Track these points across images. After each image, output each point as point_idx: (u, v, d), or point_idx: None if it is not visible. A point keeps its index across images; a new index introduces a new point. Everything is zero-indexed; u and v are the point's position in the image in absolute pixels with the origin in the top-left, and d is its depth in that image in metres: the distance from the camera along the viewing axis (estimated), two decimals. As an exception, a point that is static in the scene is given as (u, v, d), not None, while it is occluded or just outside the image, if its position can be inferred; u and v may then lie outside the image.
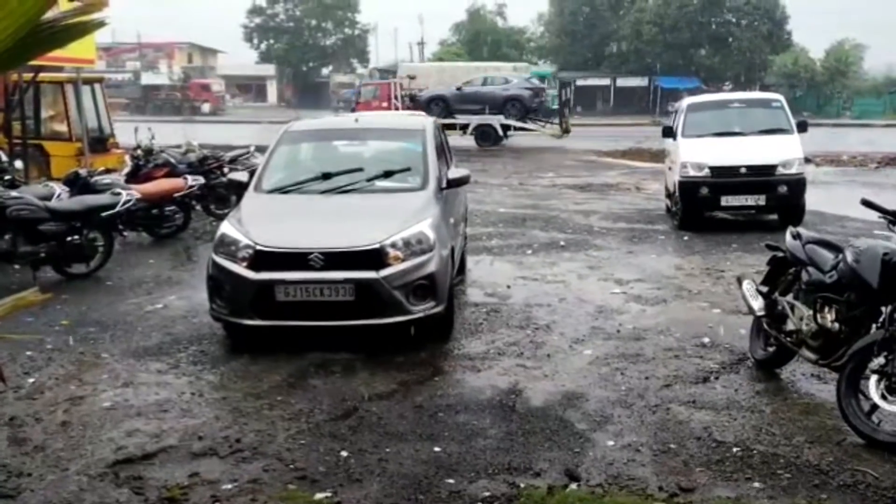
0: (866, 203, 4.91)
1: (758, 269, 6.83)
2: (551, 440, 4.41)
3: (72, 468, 4.10)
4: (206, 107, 54.91)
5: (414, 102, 26.21)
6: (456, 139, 21.37)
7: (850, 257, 4.58)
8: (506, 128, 26.15)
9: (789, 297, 5.24)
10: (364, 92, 31.25)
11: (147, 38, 65.49)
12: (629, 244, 10.06)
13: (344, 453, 4.24)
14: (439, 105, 26.42)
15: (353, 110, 29.14)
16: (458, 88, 27.22)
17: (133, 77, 62.60)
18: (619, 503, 3.73)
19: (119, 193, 8.75)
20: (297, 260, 5.66)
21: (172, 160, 11.54)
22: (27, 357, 5.80)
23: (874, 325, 4.48)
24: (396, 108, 25.86)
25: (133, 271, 8.70)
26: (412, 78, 30.03)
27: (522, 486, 3.89)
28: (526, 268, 8.73)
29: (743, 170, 10.67)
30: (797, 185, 10.70)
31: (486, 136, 25.88)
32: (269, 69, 71.08)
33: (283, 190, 6.72)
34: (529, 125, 26.80)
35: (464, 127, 25.88)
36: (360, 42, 76.41)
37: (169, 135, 14.51)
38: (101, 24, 2.05)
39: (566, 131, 26.23)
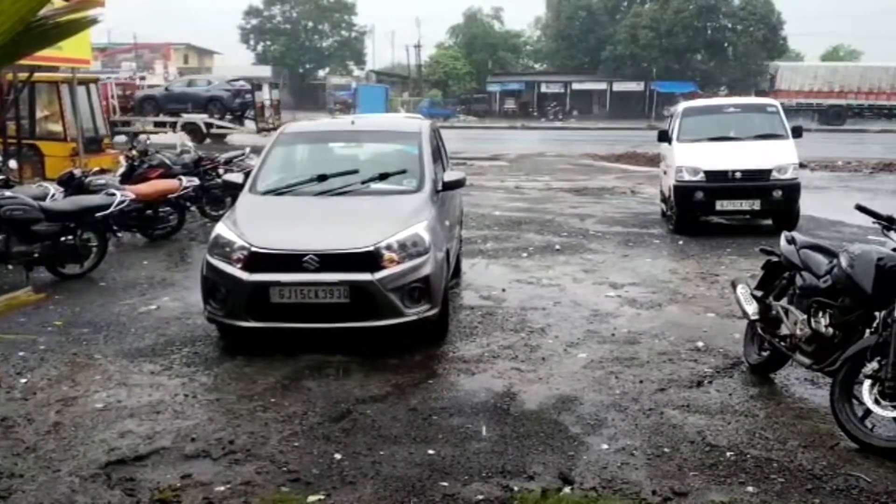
0: (861, 208, 4.92)
1: (752, 273, 6.84)
2: (545, 443, 4.40)
3: (64, 469, 4.08)
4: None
5: (130, 101, 28.62)
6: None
7: (844, 262, 4.59)
8: (209, 126, 27.66)
9: (783, 302, 5.24)
10: None
11: (143, 39, 65.37)
12: (624, 248, 10.07)
13: (337, 456, 4.22)
14: (150, 104, 28.44)
15: None
16: (167, 89, 29.23)
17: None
18: (613, 507, 3.73)
19: (113, 194, 8.73)
20: (291, 261, 5.63)
21: (167, 161, 11.53)
22: (20, 357, 5.78)
23: (868, 331, 4.49)
24: (113, 108, 27.27)
25: (127, 272, 8.68)
26: (143, 79, 33.49)
27: (516, 489, 3.88)
28: (521, 271, 8.73)
29: (738, 174, 10.70)
30: (792, 189, 10.74)
31: (194, 134, 26.40)
32: (266, 71, 70.99)
33: (278, 191, 6.70)
34: (228, 124, 28.24)
35: (173, 125, 27.09)
36: (356, 44, 76.45)
37: (164, 136, 14.48)
38: (93, 21, 2.04)
39: (261, 130, 26.82)
